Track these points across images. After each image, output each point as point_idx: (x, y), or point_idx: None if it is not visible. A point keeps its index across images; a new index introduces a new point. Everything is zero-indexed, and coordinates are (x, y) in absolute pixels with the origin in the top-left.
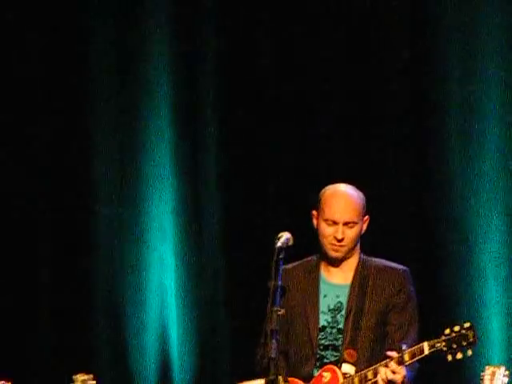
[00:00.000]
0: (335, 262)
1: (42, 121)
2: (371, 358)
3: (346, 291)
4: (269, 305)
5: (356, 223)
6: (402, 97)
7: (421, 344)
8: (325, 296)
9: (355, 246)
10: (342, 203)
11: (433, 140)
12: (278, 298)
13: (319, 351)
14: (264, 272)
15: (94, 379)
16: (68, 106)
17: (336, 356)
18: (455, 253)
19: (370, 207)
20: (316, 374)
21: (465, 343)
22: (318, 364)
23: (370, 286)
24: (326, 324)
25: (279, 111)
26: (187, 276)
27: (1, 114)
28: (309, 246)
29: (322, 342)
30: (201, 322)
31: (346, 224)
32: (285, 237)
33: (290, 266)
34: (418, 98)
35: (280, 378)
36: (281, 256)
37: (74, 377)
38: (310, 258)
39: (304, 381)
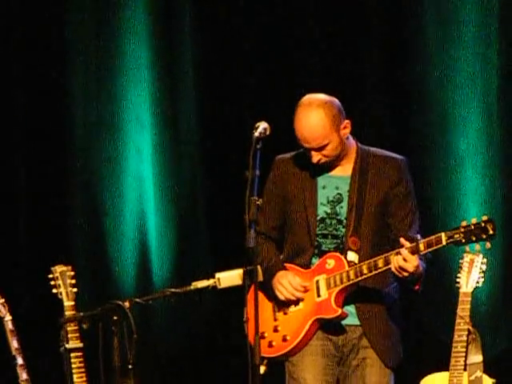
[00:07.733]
0: None
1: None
2: (373, 248)
3: (346, 183)
4: (247, 195)
5: (327, 143)
6: None
7: (438, 234)
8: (323, 187)
9: (341, 151)
10: (306, 132)
11: (410, 27)
12: (255, 188)
13: (318, 239)
14: (241, 160)
15: (72, 270)
16: None
17: (335, 243)
18: (434, 142)
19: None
20: (315, 261)
21: (484, 236)
22: (316, 252)
23: (370, 177)
24: (325, 215)
25: None
26: (164, 166)
27: None
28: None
29: (321, 231)
30: (178, 211)
31: (316, 150)
32: (262, 127)
33: (288, 155)
34: None
35: (258, 267)
36: (258, 146)
37: (52, 268)
38: None
39: (302, 268)
